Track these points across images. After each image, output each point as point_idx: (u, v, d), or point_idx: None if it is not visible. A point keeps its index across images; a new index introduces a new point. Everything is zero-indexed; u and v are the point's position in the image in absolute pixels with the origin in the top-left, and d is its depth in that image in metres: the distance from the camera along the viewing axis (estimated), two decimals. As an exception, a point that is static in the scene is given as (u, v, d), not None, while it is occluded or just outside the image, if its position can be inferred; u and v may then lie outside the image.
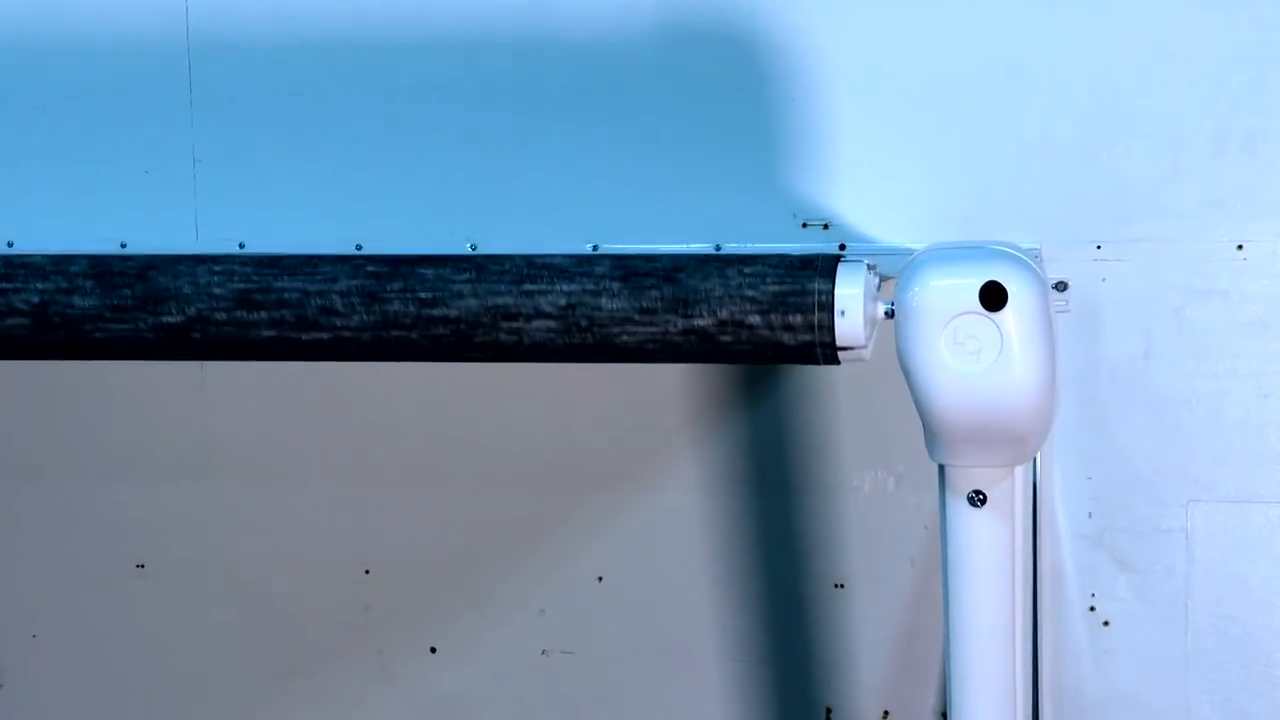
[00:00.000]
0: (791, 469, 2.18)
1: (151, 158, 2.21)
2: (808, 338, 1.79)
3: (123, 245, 2.21)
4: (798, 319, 1.78)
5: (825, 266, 1.80)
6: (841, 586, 2.21)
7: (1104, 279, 2.05)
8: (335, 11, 2.16)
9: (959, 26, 2.04)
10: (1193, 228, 2.03)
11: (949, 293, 1.76)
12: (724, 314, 1.80)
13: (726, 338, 1.80)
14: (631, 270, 1.82)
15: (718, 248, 2.10)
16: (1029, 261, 1.78)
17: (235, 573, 2.34)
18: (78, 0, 2.20)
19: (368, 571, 2.32)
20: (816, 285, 1.78)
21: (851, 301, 1.78)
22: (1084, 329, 2.06)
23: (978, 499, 1.83)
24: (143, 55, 2.19)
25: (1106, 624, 2.13)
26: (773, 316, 1.79)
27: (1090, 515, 2.11)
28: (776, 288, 1.79)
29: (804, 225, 2.09)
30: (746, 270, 1.81)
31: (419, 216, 2.18)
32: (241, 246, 2.19)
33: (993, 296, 1.74)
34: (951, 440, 1.80)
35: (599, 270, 1.83)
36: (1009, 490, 1.84)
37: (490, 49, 2.13)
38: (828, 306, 1.78)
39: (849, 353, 1.80)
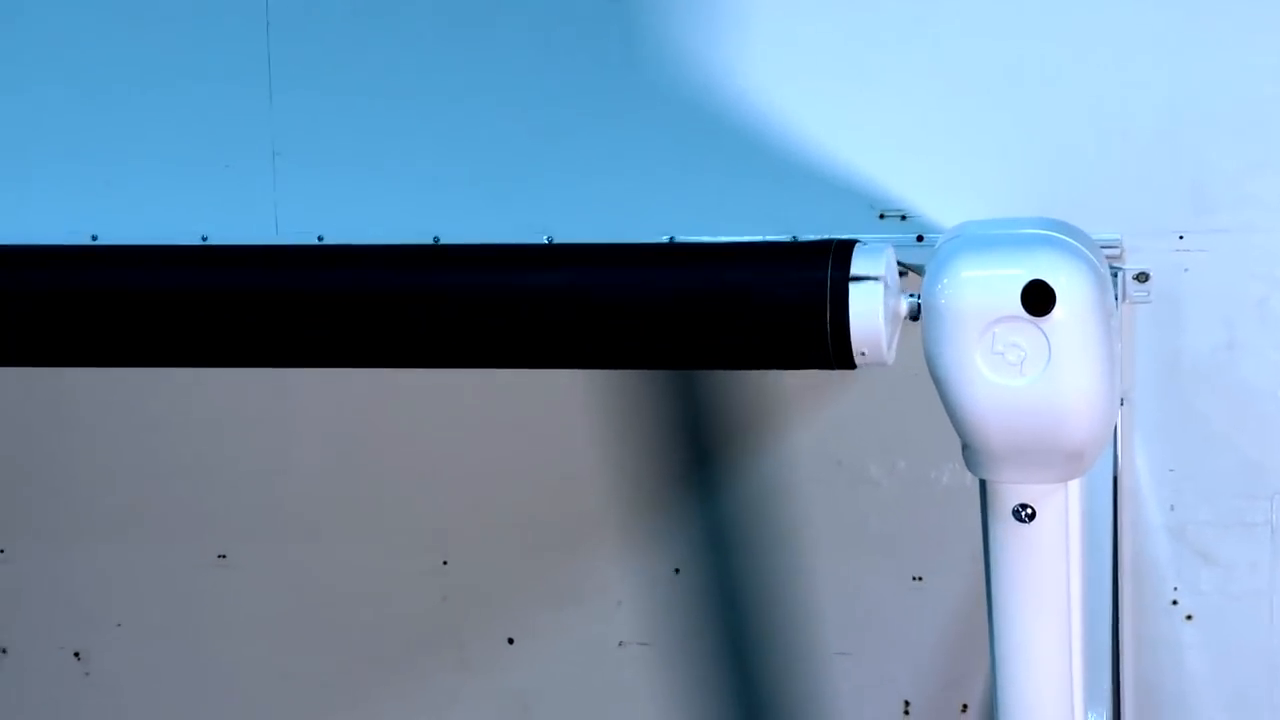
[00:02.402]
0: (868, 462, 2.17)
1: (232, 152, 2.22)
2: (817, 339, 1.52)
3: (204, 238, 2.23)
4: (805, 317, 1.52)
5: (840, 254, 1.54)
6: (920, 579, 2.19)
7: (1186, 269, 2.02)
8: (413, 5, 2.16)
9: (1040, 15, 2.02)
10: (1277, 217, 2.00)
11: (984, 292, 1.48)
12: (721, 311, 1.56)
13: (724, 338, 1.56)
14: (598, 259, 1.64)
15: (794, 238, 2.09)
16: (1080, 247, 1.55)
17: (314, 564, 2.36)
18: (159, -4, 2.22)
19: (446, 563, 2.33)
20: (829, 277, 1.52)
21: (869, 296, 1.52)
22: (1166, 320, 2.04)
23: (1024, 514, 1.60)
24: (223, 49, 2.20)
25: (1189, 618, 2.10)
26: (776, 314, 1.53)
27: (1173, 508, 2.08)
28: (781, 280, 1.54)
29: (881, 216, 2.07)
30: (749, 259, 1.58)
31: (496, 208, 2.18)
32: (320, 239, 2.20)
33: (1038, 298, 1.49)
34: (991, 457, 1.56)
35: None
36: (1062, 503, 1.59)
37: (567, 42, 2.13)
38: (841, 302, 1.52)
39: (867, 356, 1.54)
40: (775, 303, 1.55)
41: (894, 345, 1.58)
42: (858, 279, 1.53)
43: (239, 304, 1.79)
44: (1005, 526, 1.60)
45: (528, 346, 1.68)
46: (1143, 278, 2.02)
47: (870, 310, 1.54)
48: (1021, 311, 1.50)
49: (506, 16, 2.14)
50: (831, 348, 1.54)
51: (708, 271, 1.61)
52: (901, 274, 1.70)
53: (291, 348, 1.80)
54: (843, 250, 1.55)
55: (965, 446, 1.61)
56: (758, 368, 1.76)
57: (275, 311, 1.79)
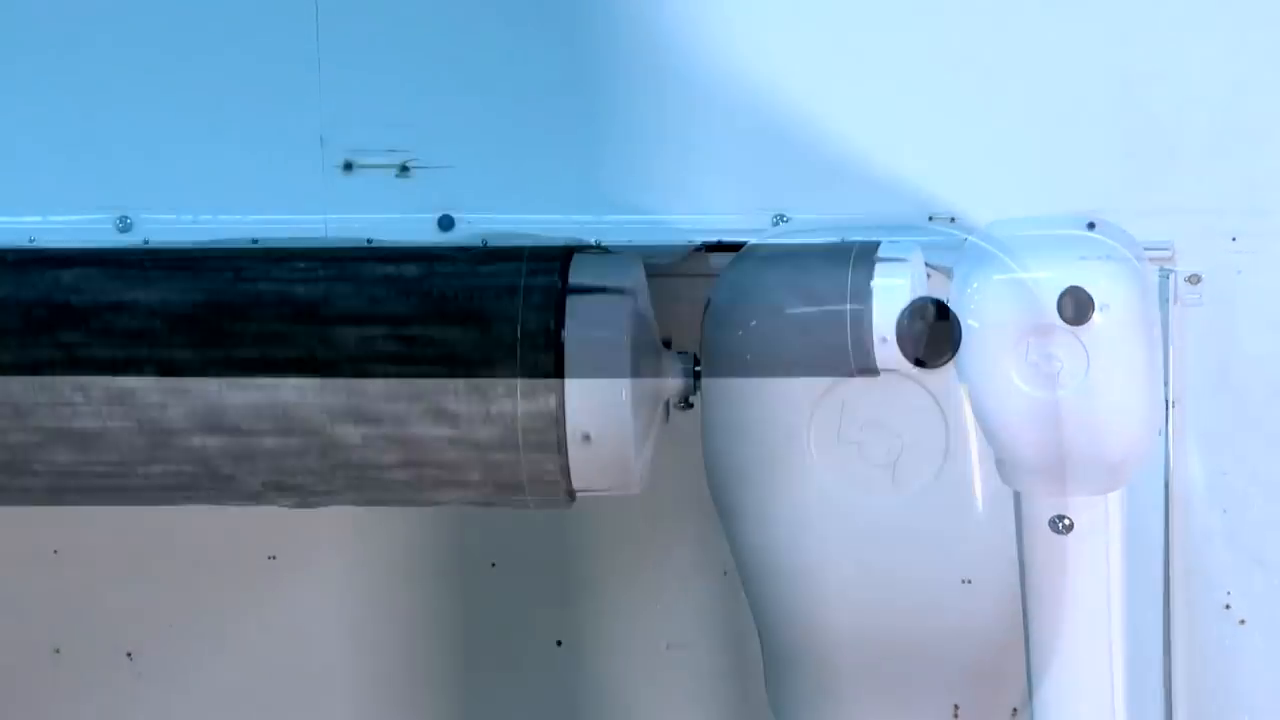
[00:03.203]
0: (919, 464, 2.16)
1: (283, 155, 2.23)
2: (837, 344, 1.45)
3: (254, 241, 2.23)
4: (826, 318, 1.45)
5: (861, 257, 1.47)
6: (969, 582, 2.18)
7: (1240, 271, 2.01)
8: (463, 6, 2.16)
9: (1093, 16, 2.01)
10: (1331, 219, 1.98)
11: (1018, 299, 1.42)
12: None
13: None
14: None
15: (842, 239, 2.08)
16: (1120, 249, 1.49)
17: (364, 566, 2.37)
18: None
19: (494, 565, 2.33)
20: (850, 280, 1.45)
21: (894, 298, 1.45)
22: (1219, 322, 2.02)
23: (1061, 525, 1.52)
24: (276, 58, 2.20)
25: (1242, 622, 2.09)
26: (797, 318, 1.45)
27: (1225, 511, 2.07)
28: (800, 283, 1.46)
29: (930, 218, 2.06)
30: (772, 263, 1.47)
31: (545, 208, 2.17)
32: (369, 242, 2.20)
33: (1075, 305, 1.42)
34: (1026, 470, 1.49)
35: None
36: (1101, 513, 1.52)
37: (631, 55, 2.12)
38: (862, 302, 1.45)
39: (890, 362, 1.48)
40: (795, 307, 1.50)
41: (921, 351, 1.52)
42: (880, 282, 1.47)
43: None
44: (1042, 538, 1.55)
45: None
46: (1195, 280, 2.00)
47: (893, 312, 1.48)
48: (1058, 320, 1.43)
49: (571, 28, 2.14)
50: (852, 354, 1.49)
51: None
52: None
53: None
54: (865, 252, 1.49)
55: (998, 458, 1.56)
56: (780, 375, 1.69)
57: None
